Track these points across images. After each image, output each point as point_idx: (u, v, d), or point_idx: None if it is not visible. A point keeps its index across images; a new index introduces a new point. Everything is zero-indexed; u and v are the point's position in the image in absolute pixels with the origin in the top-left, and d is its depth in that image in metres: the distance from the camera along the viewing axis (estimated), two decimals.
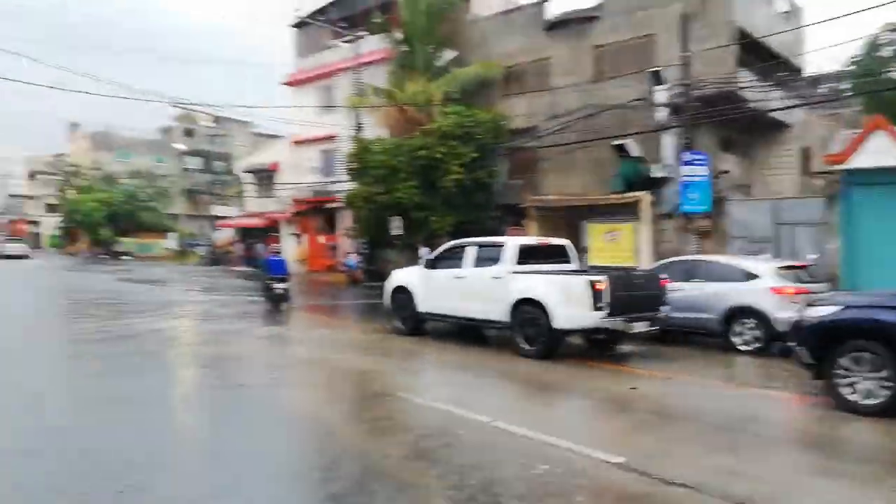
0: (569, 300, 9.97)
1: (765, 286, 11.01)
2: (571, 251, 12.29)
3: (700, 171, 16.76)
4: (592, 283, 9.79)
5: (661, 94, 17.79)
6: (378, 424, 6.71)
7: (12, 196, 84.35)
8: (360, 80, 26.79)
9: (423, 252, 25.20)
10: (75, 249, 57.87)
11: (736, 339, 11.19)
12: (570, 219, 20.16)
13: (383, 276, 14.64)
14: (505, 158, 23.34)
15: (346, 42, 28.63)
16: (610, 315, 9.79)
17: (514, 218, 22.55)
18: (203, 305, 18.33)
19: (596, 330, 10.34)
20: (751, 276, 11.32)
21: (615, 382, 8.78)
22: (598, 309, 9.73)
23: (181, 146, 64.93)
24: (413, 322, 12.58)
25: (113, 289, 23.30)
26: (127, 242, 54.59)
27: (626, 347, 11.49)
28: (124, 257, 50.87)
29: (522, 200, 21.64)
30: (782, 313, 10.35)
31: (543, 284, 10.44)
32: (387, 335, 12.74)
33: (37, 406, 7.39)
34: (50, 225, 70.56)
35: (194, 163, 64.57)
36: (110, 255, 51.98)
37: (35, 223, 77.49)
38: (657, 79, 17.93)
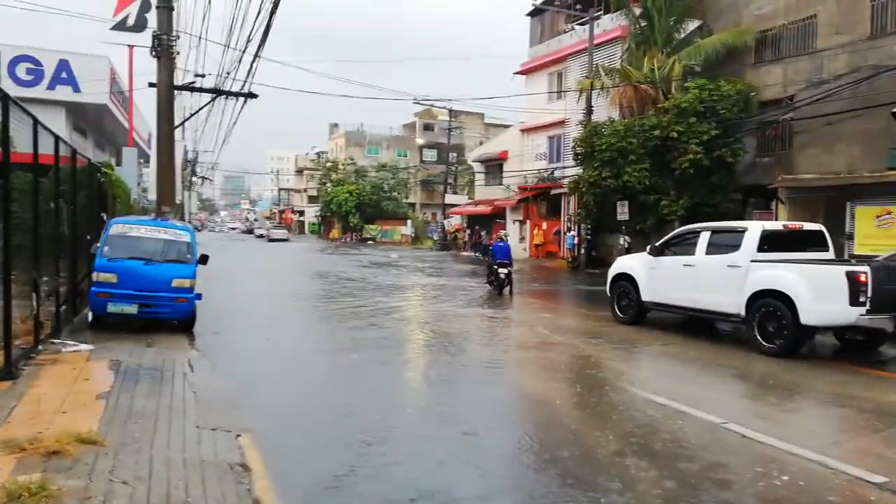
0: (821, 293, 8.68)
1: None
2: (827, 238, 10.66)
3: None
4: (852, 275, 8.39)
5: None
6: (598, 414, 6.46)
7: (283, 189, 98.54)
8: (593, 62, 26.20)
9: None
10: (334, 235, 65.42)
11: None
12: (833, 201, 17.51)
13: (607, 263, 14.12)
14: (752, 134, 21.08)
15: (580, 24, 28.25)
16: (872, 311, 8.31)
17: (759, 201, 20.31)
18: (435, 288, 19.46)
19: (853, 328, 8.85)
20: None
21: (878, 390, 7.45)
22: (857, 304, 8.34)
23: (420, 140, 69.82)
24: (635, 311, 11.96)
25: (358, 272, 25.79)
26: (371, 229, 60.27)
27: (892, 350, 9.70)
28: (369, 242, 56.20)
29: (772, 181, 19.31)
30: None
31: (790, 274, 9.21)
32: (607, 323, 12.30)
33: (299, 373, 8.45)
34: (311, 214, 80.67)
35: (431, 155, 68.91)
36: (359, 240, 57.82)
37: (300, 212, 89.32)
38: None
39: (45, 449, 4.39)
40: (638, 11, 24.60)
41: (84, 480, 4.02)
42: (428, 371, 8.66)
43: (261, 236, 66.26)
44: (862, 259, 10.20)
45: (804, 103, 18.47)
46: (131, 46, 27.58)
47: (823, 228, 10.82)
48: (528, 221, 34.40)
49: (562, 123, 30.23)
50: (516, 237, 34.12)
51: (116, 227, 10.23)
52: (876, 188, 16.49)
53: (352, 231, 61.10)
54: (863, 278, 8.35)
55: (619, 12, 25.71)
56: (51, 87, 24.19)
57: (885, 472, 4.74)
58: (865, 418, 6.42)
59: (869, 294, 8.31)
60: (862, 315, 8.37)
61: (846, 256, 13.25)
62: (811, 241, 10.49)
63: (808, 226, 10.98)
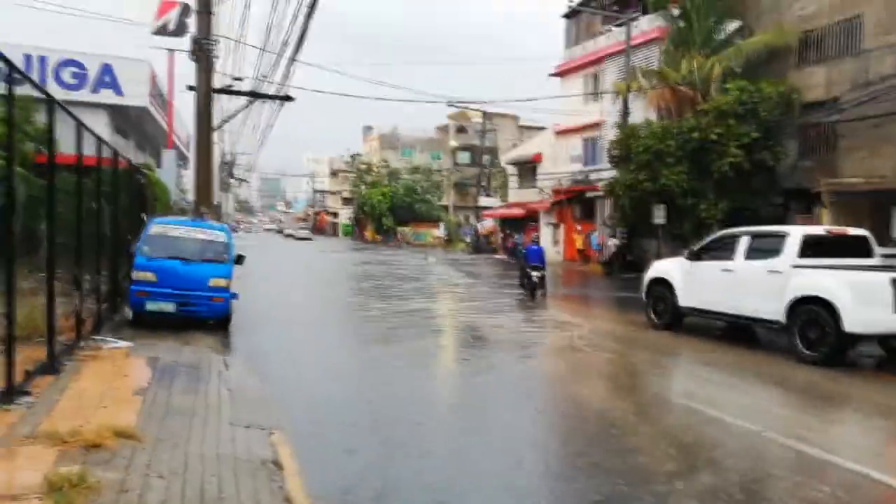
0: (865, 300, 8.41)
1: None
2: (873, 244, 10.33)
3: None
4: None
5: None
6: (636, 421, 6.33)
7: (317, 191, 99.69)
8: (630, 64, 25.92)
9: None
10: (368, 236, 65.79)
11: None
12: (878, 206, 16.96)
13: (641, 268, 13.92)
14: (794, 137, 20.58)
15: (617, 26, 27.98)
16: None
17: (801, 205, 19.80)
18: (469, 291, 19.46)
19: None
20: None
21: None
22: None
23: (454, 142, 69.85)
24: (671, 316, 11.75)
25: (390, 273, 25.88)
26: (404, 231, 60.43)
27: None
28: (404, 245, 56.30)
29: (814, 185, 18.79)
30: None
31: (833, 280, 8.94)
32: (643, 328, 12.11)
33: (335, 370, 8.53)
34: (345, 215, 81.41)
35: (464, 157, 68.82)
36: (396, 242, 57.75)
37: (334, 214, 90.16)
38: None
39: (86, 442, 4.49)
40: (676, 12, 24.24)
41: (122, 473, 4.10)
42: (464, 377, 8.62)
43: (289, 236, 75.82)
44: None
45: (849, 105, 17.96)
46: (171, 51, 28.30)
47: (868, 234, 10.49)
48: (561, 224, 34.14)
49: (597, 125, 29.94)
50: (550, 240, 33.87)
51: (156, 227, 10.44)
52: None
53: (392, 232, 60.78)
54: None
55: (656, 13, 25.39)
56: (94, 90, 24.88)
57: None
58: None
59: None
60: None
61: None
62: (855, 248, 10.17)
63: (853, 231, 10.66)
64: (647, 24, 26.75)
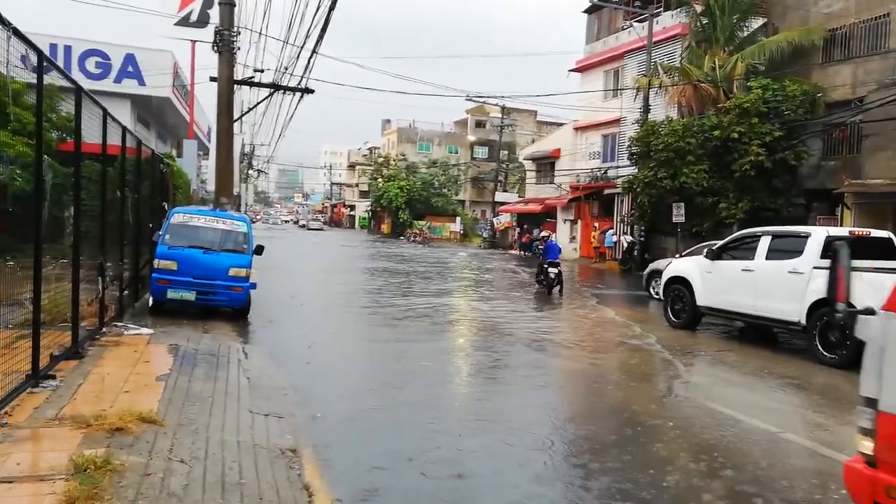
0: None
1: None
2: None
3: None
4: None
5: None
6: (654, 420, 6.29)
7: (335, 184, 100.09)
8: (651, 60, 25.74)
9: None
10: (385, 231, 65.78)
11: None
12: None
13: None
14: (817, 137, 20.34)
15: (638, 21, 27.78)
16: None
17: (824, 206, 19.59)
18: (485, 287, 19.46)
19: None
20: None
21: None
22: None
23: (472, 137, 69.67)
24: (690, 315, 11.67)
25: (404, 267, 25.94)
26: (420, 225, 60.30)
27: None
28: (416, 238, 56.17)
29: (837, 185, 18.58)
30: None
31: (857, 283, 8.76)
32: (660, 327, 12.03)
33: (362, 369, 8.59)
34: (362, 208, 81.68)
35: (482, 152, 68.67)
36: (419, 237, 57.38)
37: (351, 207, 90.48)
38: None
39: (109, 426, 4.57)
40: (699, 9, 24.03)
41: (145, 457, 4.17)
42: (479, 370, 8.64)
43: (302, 226, 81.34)
44: None
45: (875, 105, 17.68)
46: (193, 42, 28.47)
47: (893, 236, 10.35)
48: (579, 221, 34.01)
49: (617, 122, 29.75)
50: (567, 237, 33.75)
51: (177, 217, 10.56)
52: None
53: (409, 226, 60.16)
54: None
55: (679, 9, 25.18)
56: (117, 80, 25.10)
57: None
58: None
59: None
60: None
61: None
62: (879, 250, 10.02)
63: (876, 233, 10.51)
64: (669, 21, 26.54)
